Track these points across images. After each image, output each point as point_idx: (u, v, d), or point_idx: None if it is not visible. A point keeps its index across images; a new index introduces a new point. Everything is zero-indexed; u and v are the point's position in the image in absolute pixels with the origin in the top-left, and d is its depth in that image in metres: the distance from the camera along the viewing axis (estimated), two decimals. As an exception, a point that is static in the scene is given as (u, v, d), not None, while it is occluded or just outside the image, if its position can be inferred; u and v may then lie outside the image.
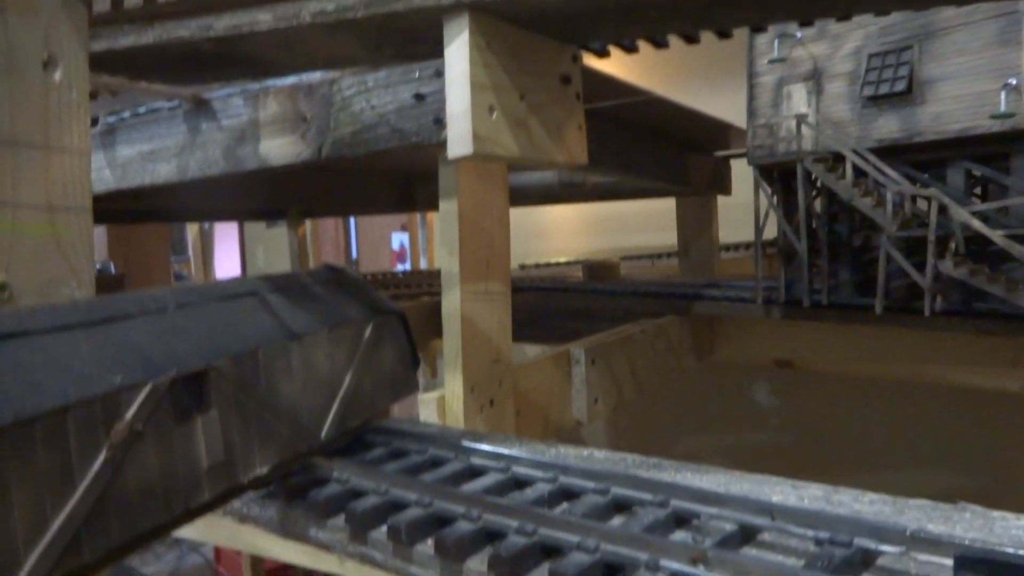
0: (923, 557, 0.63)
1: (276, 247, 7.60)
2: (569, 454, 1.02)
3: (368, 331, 0.98)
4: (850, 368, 3.13)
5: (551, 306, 3.48)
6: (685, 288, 2.94)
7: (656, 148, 2.83)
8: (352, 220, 7.46)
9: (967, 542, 0.70)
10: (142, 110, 2.14)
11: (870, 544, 0.65)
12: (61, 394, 0.59)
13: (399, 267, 6.98)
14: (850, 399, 3.62)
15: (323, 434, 0.90)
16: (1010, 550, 0.64)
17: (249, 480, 0.78)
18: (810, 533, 0.69)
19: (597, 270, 3.81)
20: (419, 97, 1.63)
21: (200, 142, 1.98)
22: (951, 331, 2.05)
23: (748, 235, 2.85)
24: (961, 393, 3.14)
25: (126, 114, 2.18)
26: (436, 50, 1.25)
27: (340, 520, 0.84)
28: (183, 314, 0.76)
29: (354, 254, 7.37)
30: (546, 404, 1.96)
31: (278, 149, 1.85)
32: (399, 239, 7.12)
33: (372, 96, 1.70)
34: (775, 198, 2.37)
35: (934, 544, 0.63)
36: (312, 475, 0.90)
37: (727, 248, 4.07)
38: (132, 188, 2.14)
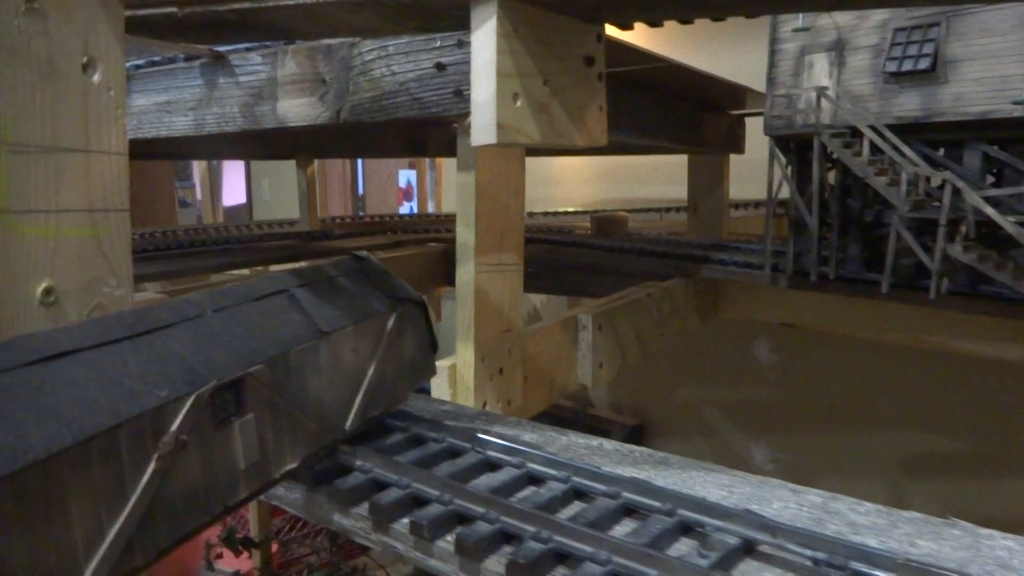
0: (912, 584, 0.68)
1: (283, 178, 7.58)
2: (579, 444, 1.07)
3: (391, 322, 1.02)
4: (852, 332, 3.18)
5: (559, 258, 3.51)
6: (692, 249, 2.96)
7: (671, 108, 2.81)
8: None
9: (954, 564, 0.75)
10: (157, 58, 2.12)
11: (862, 568, 0.70)
12: (114, 412, 0.62)
13: (405, 206, 6.97)
14: (850, 359, 3.68)
15: (348, 425, 0.94)
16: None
17: (281, 475, 0.83)
18: (808, 552, 0.73)
19: (605, 223, 3.82)
20: (440, 67, 1.63)
21: (217, 97, 1.98)
22: (955, 310, 2.09)
23: (759, 193, 2.85)
24: (960, 360, 3.19)
25: (141, 62, 2.16)
26: (459, 24, 1.24)
27: (362, 508, 0.89)
28: (218, 319, 0.79)
29: (360, 191, 7.36)
30: (552, 369, 2.01)
31: (296, 110, 1.85)
32: (406, 176, 7.10)
33: (392, 62, 1.70)
34: (789, 169, 2.37)
35: (923, 573, 0.68)
36: (335, 462, 0.95)
37: (737, 206, 4.07)
38: (147, 139, 2.14)
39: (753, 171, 3.32)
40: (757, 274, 2.60)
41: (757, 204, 4.11)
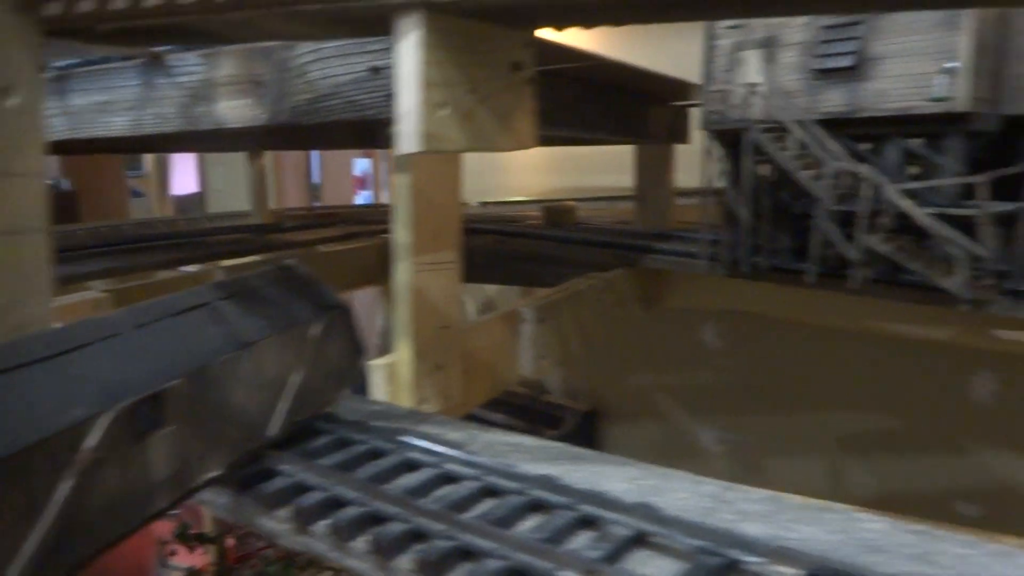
0: (782, 568, 0.75)
1: (238, 166, 7.49)
2: (501, 442, 1.13)
3: (316, 329, 1.06)
4: (790, 317, 3.29)
5: (510, 249, 3.56)
6: (636, 239, 3.03)
7: (614, 102, 2.86)
8: (315, 145, 7.36)
9: (826, 548, 0.82)
10: (94, 58, 2.11)
11: (739, 555, 0.76)
12: (27, 433, 0.65)
13: (362, 195, 6.95)
14: (793, 343, 3.80)
15: (273, 431, 0.98)
16: (860, 564, 0.76)
17: (204, 482, 0.86)
18: (692, 541, 0.80)
19: (555, 213, 3.88)
20: (375, 70, 1.66)
21: (155, 97, 1.98)
22: (877, 297, 2.18)
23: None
24: (891, 341, 3.32)
25: (77, 60, 2.15)
26: (391, 30, 1.27)
27: (285, 511, 0.93)
28: (138, 335, 0.82)
29: (316, 180, 7.31)
30: (494, 362, 2.06)
31: (234, 111, 1.86)
32: (361, 165, 7.08)
33: (328, 65, 1.72)
34: (725, 162, 2.45)
35: (792, 558, 0.75)
36: (261, 467, 0.99)
37: (683, 194, 4.15)
38: (86, 139, 2.14)
39: (701, 160, 3.39)
40: (696, 264, 2.68)
41: (704, 192, 4.19)
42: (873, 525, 0.86)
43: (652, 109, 3.21)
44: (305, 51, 1.75)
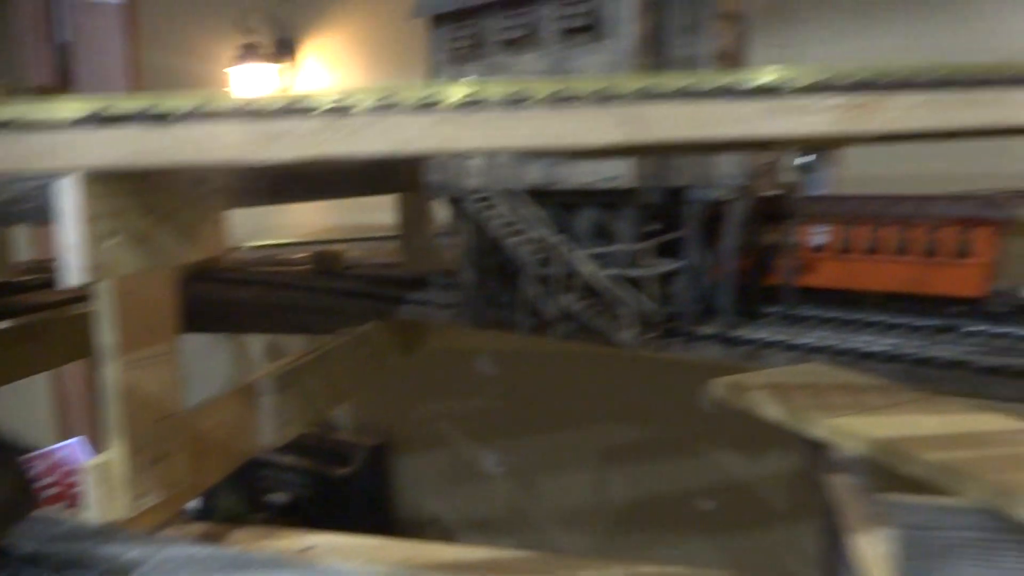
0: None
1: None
2: (177, 557, 1.22)
3: (-29, 475, 1.10)
4: (543, 350, 3.59)
5: (275, 300, 3.61)
6: (393, 288, 3.20)
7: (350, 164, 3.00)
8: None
9: None
10: None
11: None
12: None
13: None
14: (557, 367, 4.12)
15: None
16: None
17: None
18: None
19: (323, 259, 3.97)
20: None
21: None
22: (584, 344, 2.48)
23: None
24: (633, 361, 3.70)
25: None
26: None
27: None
28: None
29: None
30: (229, 439, 2.12)
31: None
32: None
33: (16, 171, 1.71)
34: (453, 222, 2.66)
35: None
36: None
37: (446, 234, 4.37)
38: None
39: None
40: (443, 315, 2.88)
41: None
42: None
43: (393, 164, 3.38)
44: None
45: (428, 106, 0.97)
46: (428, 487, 4.80)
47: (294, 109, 1.15)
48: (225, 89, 5.09)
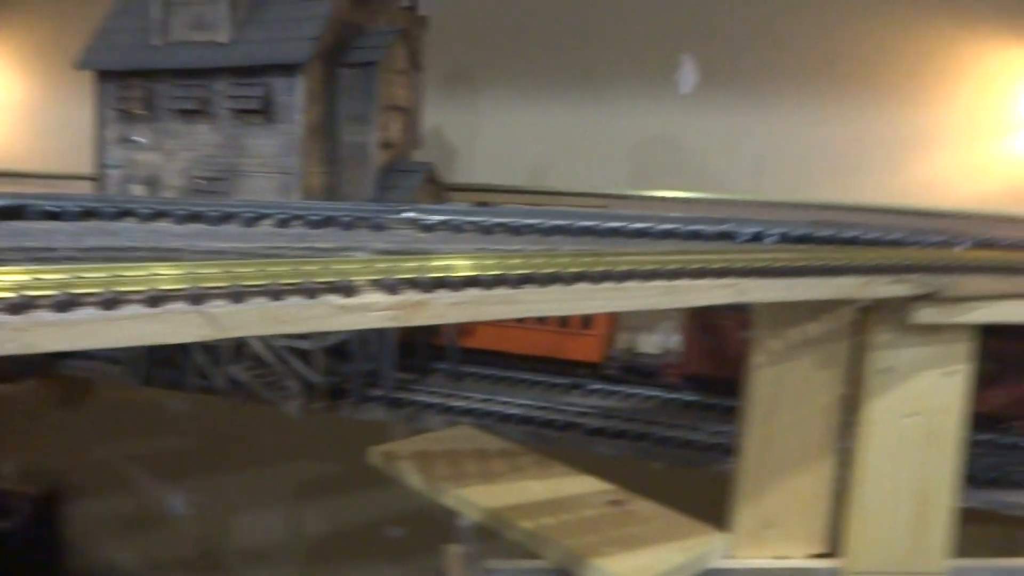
0: None
1: None
2: None
3: None
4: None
5: None
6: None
7: None
8: None
9: None
10: None
11: None
12: None
13: None
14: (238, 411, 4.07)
15: None
16: None
17: None
18: None
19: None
20: None
21: None
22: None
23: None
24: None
25: None
26: None
27: None
28: None
29: None
30: None
31: None
32: None
33: None
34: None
35: None
36: None
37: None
38: None
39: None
40: (111, 371, 2.78)
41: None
42: None
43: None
44: None
45: None
46: (107, 534, 4.51)
47: None
48: None
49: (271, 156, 2.27)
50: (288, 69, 2.19)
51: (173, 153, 2.43)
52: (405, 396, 2.46)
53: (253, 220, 1.62)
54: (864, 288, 1.31)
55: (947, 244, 1.73)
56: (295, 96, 2.22)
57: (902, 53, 3.36)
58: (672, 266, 1.17)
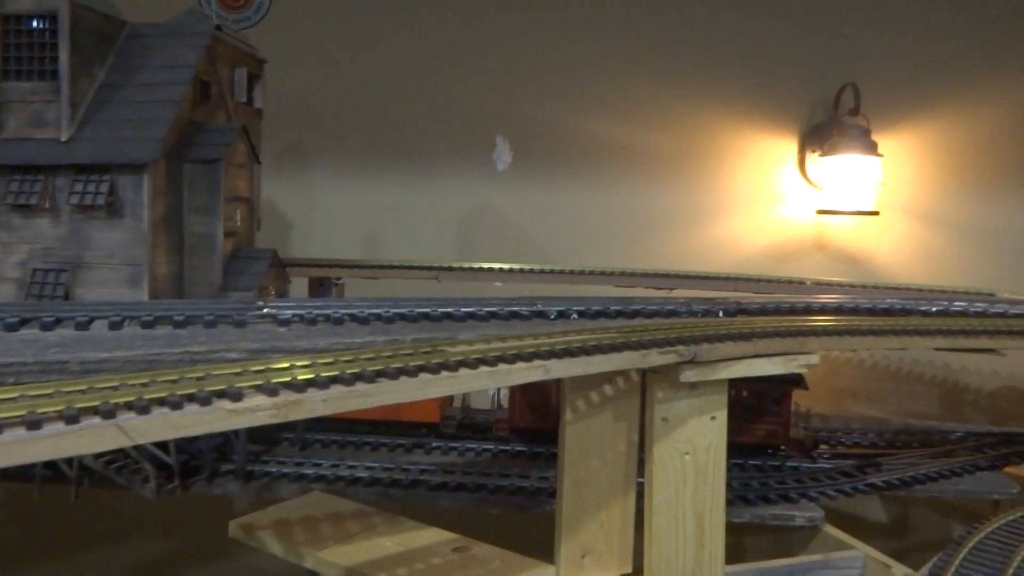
0: None
1: None
2: None
3: None
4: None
5: None
6: None
7: None
8: None
9: None
10: None
11: None
12: None
13: None
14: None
15: None
16: None
17: None
18: None
19: None
20: None
21: None
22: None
23: None
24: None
25: None
26: None
27: None
28: None
29: None
30: None
31: None
32: None
33: None
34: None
35: None
36: None
37: None
38: None
39: None
40: None
41: None
42: None
43: None
44: None
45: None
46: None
47: None
48: None
49: (117, 248, 2.38)
50: (135, 168, 2.33)
51: (10, 246, 2.46)
52: (257, 468, 2.59)
53: (118, 323, 1.78)
54: (643, 359, 1.69)
55: (710, 312, 2.19)
56: (142, 193, 2.35)
57: (688, 141, 3.99)
58: (493, 354, 1.49)
